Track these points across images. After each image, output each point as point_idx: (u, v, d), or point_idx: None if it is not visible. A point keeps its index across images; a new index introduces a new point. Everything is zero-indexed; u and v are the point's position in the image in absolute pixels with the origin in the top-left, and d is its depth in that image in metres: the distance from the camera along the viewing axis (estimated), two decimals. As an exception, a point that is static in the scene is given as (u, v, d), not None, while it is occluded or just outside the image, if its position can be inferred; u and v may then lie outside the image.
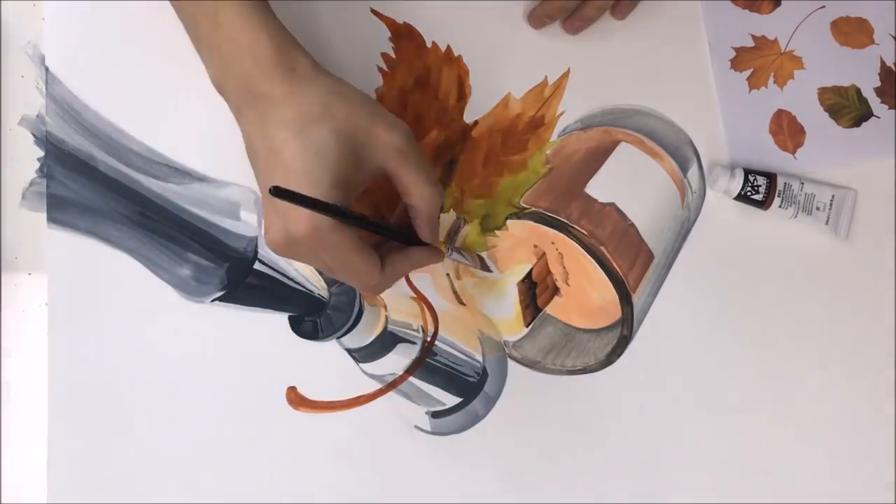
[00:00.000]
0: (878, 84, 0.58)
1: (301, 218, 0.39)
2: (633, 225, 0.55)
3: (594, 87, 0.58)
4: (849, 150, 0.58)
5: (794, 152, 0.58)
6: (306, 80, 0.40)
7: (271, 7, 0.42)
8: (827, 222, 0.56)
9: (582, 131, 0.57)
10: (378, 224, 0.42)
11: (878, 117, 0.58)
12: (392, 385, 0.54)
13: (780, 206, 0.56)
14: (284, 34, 0.41)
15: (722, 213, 0.57)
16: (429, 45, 0.57)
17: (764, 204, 0.56)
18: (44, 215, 0.53)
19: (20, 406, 0.53)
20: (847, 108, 0.58)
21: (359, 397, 0.54)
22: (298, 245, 0.40)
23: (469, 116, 0.56)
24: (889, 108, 0.58)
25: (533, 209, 0.55)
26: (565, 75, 0.57)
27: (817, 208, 0.56)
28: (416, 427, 0.54)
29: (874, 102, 0.58)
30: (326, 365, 0.53)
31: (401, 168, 0.41)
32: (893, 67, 0.59)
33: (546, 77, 0.57)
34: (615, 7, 0.57)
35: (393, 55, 0.57)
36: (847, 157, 0.58)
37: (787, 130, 0.58)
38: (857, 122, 0.58)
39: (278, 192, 0.37)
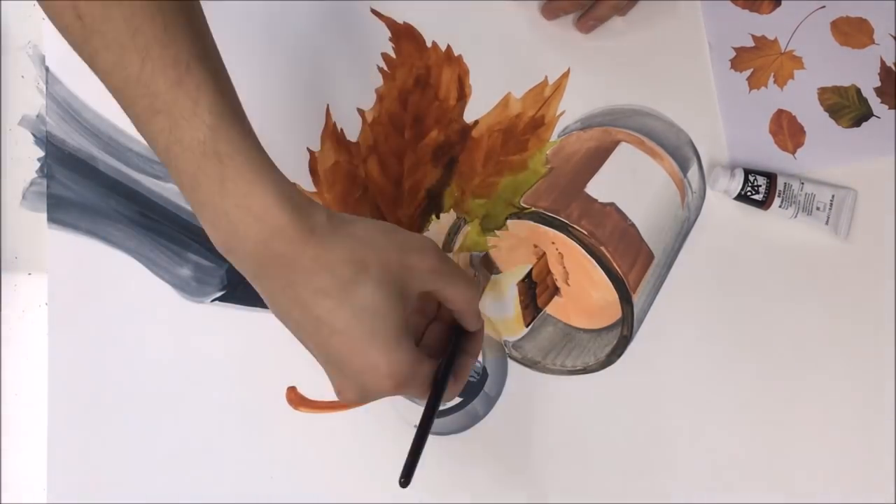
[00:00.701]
0: (878, 84, 0.58)
1: (381, 378, 0.38)
2: (633, 225, 0.55)
3: (594, 87, 0.58)
4: (849, 150, 0.58)
5: (794, 152, 0.58)
6: (329, 238, 0.38)
7: (275, 165, 0.39)
8: (827, 222, 0.56)
9: (582, 131, 0.57)
10: (449, 357, 0.44)
11: (878, 117, 0.58)
12: (392, 385, 0.54)
13: (780, 206, 0.56)
14: (295, 192, 0.38)
15: (722, 213, 0.57)
16: (429, 45, 0.57)
17: (764, 204, 0.56)
18: (44, 215, 0.53)
19: (20, 406, 0.53)
20: (847, 108, 0.58)
21: (359, 397, 0.54)
22: (380, 396, 0.40)
23: (469, 116, 0.56)
24: (889, 108, 0.58)
25: (533, 209, 0.55)
26: (565, 75, 0.57)
27: (817, 208, 0.56)
28: (417, 427, 0.54)
29: (874, 102, 0.58)
30: (326, 365, 0.53)
31: (440, 285, 0.41)
32: (893, 67, 0.59)
33: (546, 77, 0.57)
34: (580, 22, 0.57)
35: (393, 55, 0.57)
36: (847, 157, 0.58)
37: (787, 130, 0.58)
38: (857, 122, 0.58)
39: (408, 478, 0.41)
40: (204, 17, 0.40)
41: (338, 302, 0.37)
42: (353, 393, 0.40)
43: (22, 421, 0.53)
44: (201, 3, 0.40)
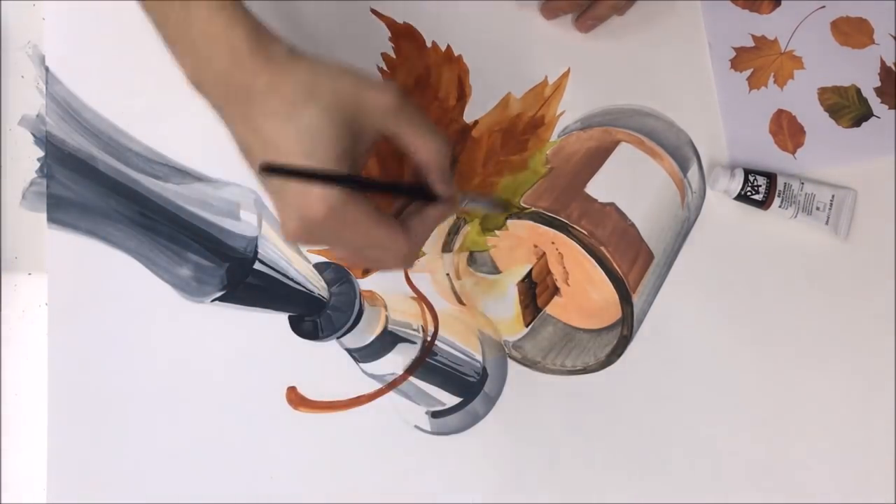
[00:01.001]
0: (878, 84, 0.58)
1: (314, 201, 0.38)
2: (633, 225, 0.55)
3: (594, 87, 0.58)
4: (849, 150, 0.58)
5: (794, 152, 0.58)
6: (284, 65, 0.39)
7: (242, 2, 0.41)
8: (827, 222, 0.56)
9: (582, 131, 0.57)
10: (386, 183, 0.42)
11: (878, 117, 0.58)
12: (392, 385, 0.54)
13: (779, 206, 0.56)
14: (257, 24, 0.40)
15: (722, 213, 0.57)
16: (429, 45, 0.57)
17: (764, 204, 0.56)
18: (44, 215, 0.53)
19: (20, 406, 0.53)
20: (847, 108, 0.58)
21: (359, 397, 0.54)
22: (317, 229, 0.39)
23: (469, 116, 0.56)
24: (889, 108, 0.58)
25: (533, 209, 0.55)
26: (565, 75, 0.57)
27: (817, 208, 0.56)
28: (416, 427, 0.54)
29: (874, 102, 0.58)
30: (326, 365, 0.53)
31: (399, 126, 0.41)
32: (893, 67, 0.59)
33: (546, 77, 0.57)
34: (579, 22, 0.57)
35: (393, 55, 0.57)
36: (847, 157, 0.58)
37: (787, 130, 0.58)
38: (857, 122, 0.58)
39: (270, 169, 0.36)
40: None
41: (283, 122, 0.38)
42: (293, 222, 0.39)
43: (22, 421, 0.53)
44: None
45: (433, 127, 0.42)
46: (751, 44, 0.59)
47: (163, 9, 0.40)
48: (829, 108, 0.58)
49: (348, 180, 0.38)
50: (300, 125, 0.38)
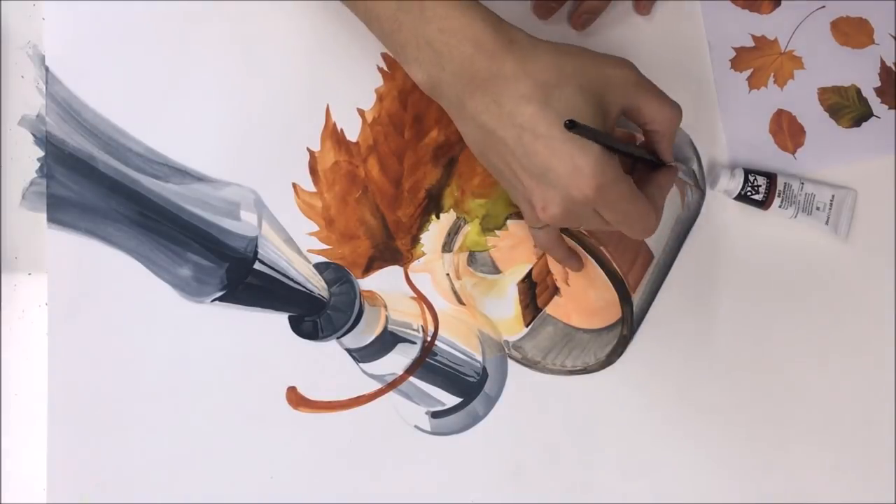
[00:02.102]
0: (878, 84, 0.58)
1: (585, 180, 0.39)
2: (633, 225, 0.55)
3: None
4: (849, 150, 0.58)
5: (794, 152, 0.58)
6: (529, 49, 0.40)
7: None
8: (827, 222, 0.56)
9: (582, 131, 0.57)
10: (641, 150, 0.44)
11: (879, 117, 0.58)
12: (392, 385, 0.54)
13: (780, 206, 0.56)
14: (490, 12, 0.41)
15: (722, 213, 0.57)
16: (429, 45, 0.57)
17: (764, 204, 0.56)
18: (44, 215, 0.53)
19: (20, 406, 0.53)
20: (847, 108, 0.58)
21: (359, 397, 0.54)
22: (581, 209, 0.40)
23: (469, 116, 0.56)
24: (889, 109, 0.58)
25: (533, 209, 0.55)
26: (565, 75, 0.57)
27: (817, 208, 0.56)
28: (416, 427, 0.54)
29: (874, 102, 0.58)
30: (326, 365, 0.53)
31: (642, 99, 0.42)
32: (893, 68, 0.59)
33: (546, 77, 0.57)
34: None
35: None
36: (847, 157, 0.58)
37: (787, 130, 0.58)
38: (857, 122, 0.58)
39: (573, 126, 0.37)
40: None
41: (540, 106, 0.39)
42: (557, 205, 0.40)
43: (22, 421, 0.53)
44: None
45: (667, 97, 0.43)
46: (751, 44, 0.59)
47: (395, 15, 0.40)
48: (829, 108, 0.58)
49: (622, 147, 0.40)
50: (557, 107, 0.39)
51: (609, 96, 0.41)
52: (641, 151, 0.45)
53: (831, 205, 0.56)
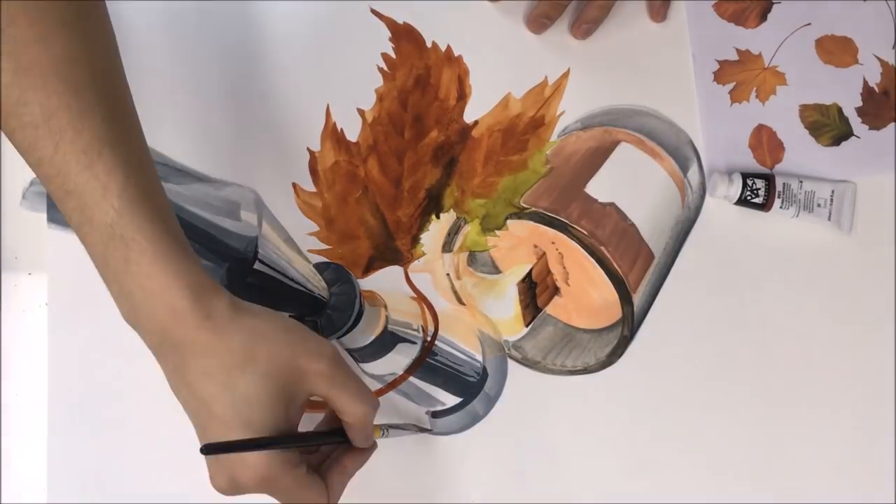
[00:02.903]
0: (860, 104, 0.58)
1: (247, 469, 0.39)
2: (633, 225, 0.55)
3: (594, 87, 0.58)
4: (827, 168, 0.58)
5: (772, 167, 0.58)
6: (224, 325, 0.39)
7: (188, 247, 0.40)
8: (829, 218, 0.56)
9: (582, 131, 0.57)
10: (319, 436, 0.43)
11: (859, 137, 0.58)
12: (392, 385, 0.54)
13: (780, 207, 0.56)
14: (200, 277, 0.39)
15: (722, 213, 0.57)
16: (429, 45, 0.57)
17: (765, 206, 0.56)
18: (44, 215, 0.53)
19: (20, 406, 0.53)
20: (827, 126, 0.58)
21: (359, 397, 0.54)
22: (247, 491, 0.40)
23: (469, 116, 0.56)
24: (870, 129, 0.58)
25: (533, 209, 0.55)
26: (565, 75, 0.57)
27: (818, 205, 0.56)
28: (417, 427, 0.54)
29: (855, 122, 0.58)
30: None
31: (330, 392, 0.41)
32: (877, 88, 0.59)
33: (546, 77, 0.57)
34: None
35: (393, 55, 0.57)
36: (825, 175, 0.58)
37: (767, 145, 0.58)
38: (836, 141, 0.58)
39: (211, 449, 0.38)
40: (127, 89, 0.41)
41: (220, 388, 0.38)
42: (223, 481, 0.40)
43: (22, 421, 0.53)
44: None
45: (363, 391, 0.42)
46: (735, 57, 0.59)
47: (101, 248, 0.38)
48: (809, 125, 0.58)
49: (283, 442, 0.39)
50: (236, 392, 0.38)
51: (297, 385, 0.40)
52: (323, 438, 0.44)
53: (832, 200, 0.56)
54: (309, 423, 0.47)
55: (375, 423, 0.44)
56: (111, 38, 0.42)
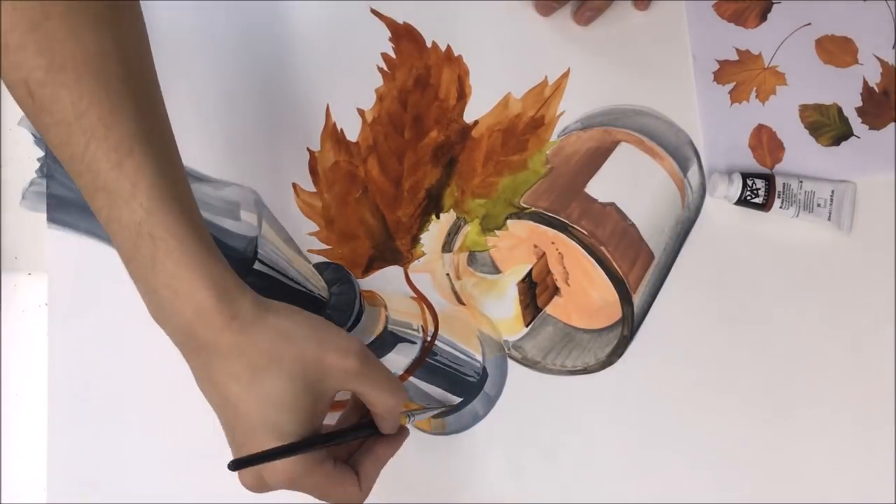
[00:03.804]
0: (860, 104, 0.58)
1: (276, 472, 0.39)
2: (633, 225, 0.55)
3: (594, 87, 0.58)
4: (826, 168, 0.58)
5: (772, 167, 0.58)
6: (249, 326, 0.39)
7: (214, 247, 0.40)
8: (829, 218, 0.56)
9: (582, 131, 0.57)
10: (346, 434, 0.43)
11: (859, 137, 0.58)
12: (392, 385, 0.54)
13: (780, 207, 0.56)
14: (225, 276, 0.39)
15: (723, 213, 0.57)
16: (429, 45, 0.57)
17: (765, 206, 0.56)
18: (44, 215, 0.53)
19: (20, 406, 0.53)
20: (827, 126, 0.58)
21: (359, 397, 0.54)
22: (276, 489, 0.40)
23: (469, 116, 0.56)
24: (870, 129, 0.58)
25: (533, 209, 0.55)
26: (565, 75, 0.57)
27: (818, 205, 0.56)
28: (417, 427, 0.54)
29: (855, 122, 0.58)
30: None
31: (362, 388, 0.41)
32: (877, 88, 0.59)
33: (546, 77, 0.57)
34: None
35: (393, 55, 0.57)
36: (824, 175, 0.57)
37: (767, 146, 0.58)
38: (836, 141, 0.58)
39: (238, 465, 0.38)
40: (157, 87, 0.41)
41: (246, 388, 0.38)
42: (251, 480, 0.40)
43: (22, 421, 0.53)
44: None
45: (392, 382, 0.42)
46: (735, 57, 0.59)
47: (129, 245, 0.38)
48: (809, 125, 0.58)
49: (307, 445, 0.39)
50: (262, 393, 0.38)
51: (325, 383, 0.40)
52: (348, 435, 0.43)
53: (832, 200, 0.56)
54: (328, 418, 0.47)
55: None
56: (143, 35, 0.41)
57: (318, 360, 0.39)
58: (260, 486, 0.40)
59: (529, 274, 0.56)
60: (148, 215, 0.37)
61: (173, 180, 0.39)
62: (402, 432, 0.46)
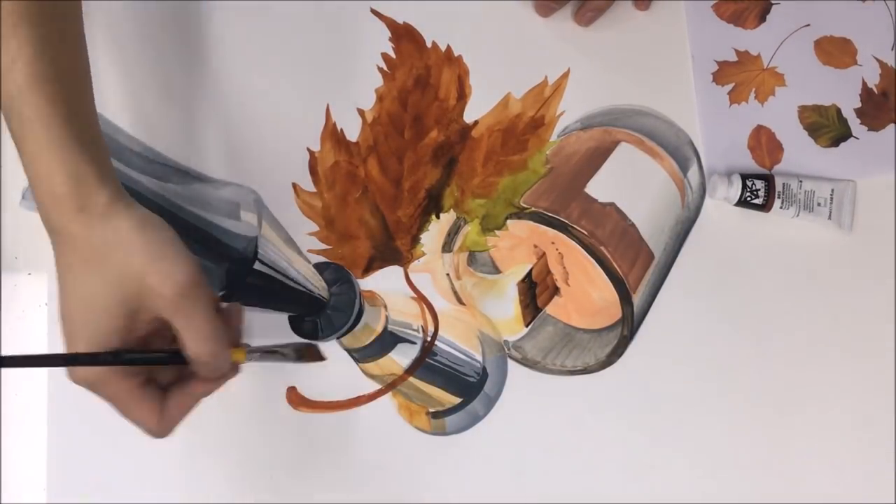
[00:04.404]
0: (859, 105, 0.58)
1: (75, 372, 0.39)
2: (633, 225, 0.55)
3: (594, 87, 0.58)
4: (825, 169, 0.58)
5: (770, 168, 0.58)
6: (93, 221, 0.38)
7: (93, 139, 0.40)
8: (830, 217, 0.56)
9: (582, 131, 0.57)
10: (145, 357, 0.40)
11: (857, 138, 0.58)
12: (392, 385, 0.54)
13: (780, 207, 0.56)
14: (87, 167, 0.38)
15: (723, 213, 0.57)
16: (429, 45, 0.57)
17: (765, 207, 0.56)
18: (44, 215, 0.53)
19: (20, 406, 0.53)
20: (826, 127, 0.58)
21: (359, 397, 0.54)
22: (83, 387, 0.39)
23: (469, 116, 0.56)
24: (869, 130, 0.58)
25: (533, 209, 0.55)
26: (565, 75, 0.57)
27: (818, 204, 0.56)
28: (416, 427, 0.54)
29: (854, 123, 0.58)
30: (326, 365, 0.53)
31: (175, 322, 0.39)
32: (875, 89, 0.59)
33: (546, 77, 0.57)
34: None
35: (393, 55, 0.57)
36: (823, 175, 0.57)
37: (766, 146, 0.58)
38: (835, 142, 0.58)
39: (3, 362, 0.38)
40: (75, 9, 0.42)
41: (72, 283, 0.39)
42: (71, 374, 0.39)
43: (22, 421, 0.53)
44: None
45: (211, 328, 0.39)
46: (734, 58, 0.59)
47: (6, 117, 0.39)
48: (808, 126, 0.58)
49: (102, 360, 0.38)
50: (83, 293, 0.38)
51: (143, 302, 0.38)
52: (153, 358, 0.40)
53: (832, 199, 0.56)
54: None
55: (249, 346, 0.42)
56: None
57: (138, 276, 0.38)
58: (72, 378, 0.40)
59: (529, 274, 0.56)
60: (20, 93, 0.38)
61: (56, 63, 0.39)
62: (225, 374, 0.41)
